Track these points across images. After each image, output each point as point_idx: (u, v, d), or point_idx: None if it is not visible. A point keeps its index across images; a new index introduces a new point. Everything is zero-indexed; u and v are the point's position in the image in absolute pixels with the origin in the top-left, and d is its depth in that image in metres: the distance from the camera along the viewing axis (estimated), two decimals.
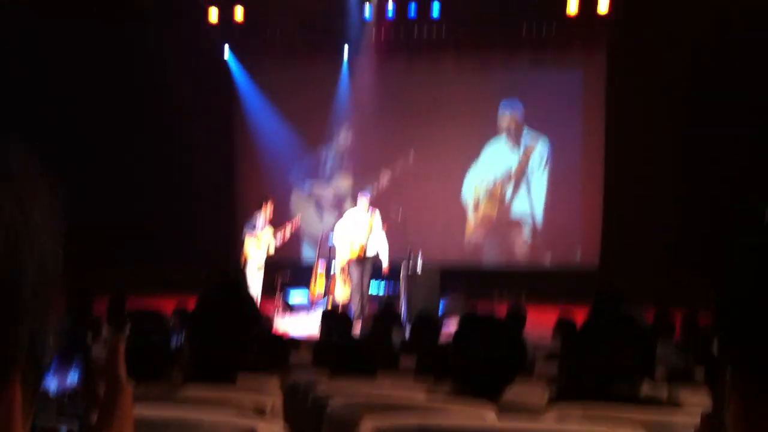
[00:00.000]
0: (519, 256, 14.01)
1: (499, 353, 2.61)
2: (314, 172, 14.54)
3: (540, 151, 13.91)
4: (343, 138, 14.47)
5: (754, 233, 0.77)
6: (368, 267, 10.66)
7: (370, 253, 10.63)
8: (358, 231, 10.60)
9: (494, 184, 13.99)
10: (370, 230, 10.58)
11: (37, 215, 0.66)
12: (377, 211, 10.78)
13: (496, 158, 14.05)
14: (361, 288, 10.63)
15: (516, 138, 13.99)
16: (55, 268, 0.69)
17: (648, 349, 2.63)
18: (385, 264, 10.65)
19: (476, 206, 14.03)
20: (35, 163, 0.70)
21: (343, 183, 14.46)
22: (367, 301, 10.63)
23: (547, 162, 13.87)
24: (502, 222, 14.04)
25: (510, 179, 13.99)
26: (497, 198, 14.02)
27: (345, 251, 10.68)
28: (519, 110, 13.96)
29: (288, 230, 11.03)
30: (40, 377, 0.77)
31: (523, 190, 13.97)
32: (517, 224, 14.00)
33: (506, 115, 13.98)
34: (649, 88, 12.40)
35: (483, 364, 2.60)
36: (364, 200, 10.77)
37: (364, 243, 10.57)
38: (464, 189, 14.10)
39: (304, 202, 14.26)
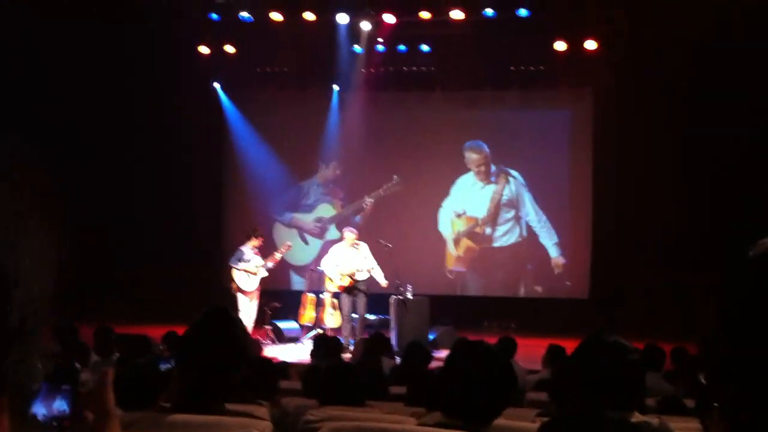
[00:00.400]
0: (508, 287, 13.98)
1: (489, 380, 2.59)
2: (296, 204, 14.56)
3: (516, 186, 13.99)
4: (328, 169, 14.52)
5: (738, 276, 0.77)
6: (359, 296, 10.63)
7: (360, 282, 10.61)
8: (346, 263, 10.60)
9: (477, 219, 14.03)
10: (358, 262, 10.59)
11: (27, 254, 0.68)
12: (364, 244, 10.77)
13: (475, 193, 14.13)
14: (351, 317, 10.63)
15: (487, 175, 14.05)
16: (43, 301, 0.71)
17: (638, 377, 2.62)
18: (383, 282, 10.60)
19: (456, 241, 14.06)
20: (25, 207, 0.72)
21: (325, 212, 14.48)
22: (359, 330, 10.59)
23: (527, 197, 13.94)
24: (486, 255, 14.05)
25: (493, 214, 14.02)
26: (479, 232, 14.05)
27: (334, 283, 10.68)
28: (486, 149, 14.09)
29: (279, 255, 10.95)
30: (27, 403, 0.77)
31: (509, 224, 14.01)
32: (503, 257, 14.00)
33: (476, 154, 14.08)
34: (636, 122, 12.50)
35: (473, 391, 2.59)
36: (350, 235, 10.78)
37: (352, 273, 10.56)
38: (440, 223, 14.14)
39: (286, 233, 14.24)
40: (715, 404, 0.78)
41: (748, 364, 0.73)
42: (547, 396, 4.75)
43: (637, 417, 2.51)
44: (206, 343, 2.65)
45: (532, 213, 13.89)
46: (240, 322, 2.83)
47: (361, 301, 10.65)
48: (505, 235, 14.00)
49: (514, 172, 13.97)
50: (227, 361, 2.66)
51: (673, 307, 11.72)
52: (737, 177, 11.50)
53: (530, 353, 8.38)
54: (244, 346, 2.77)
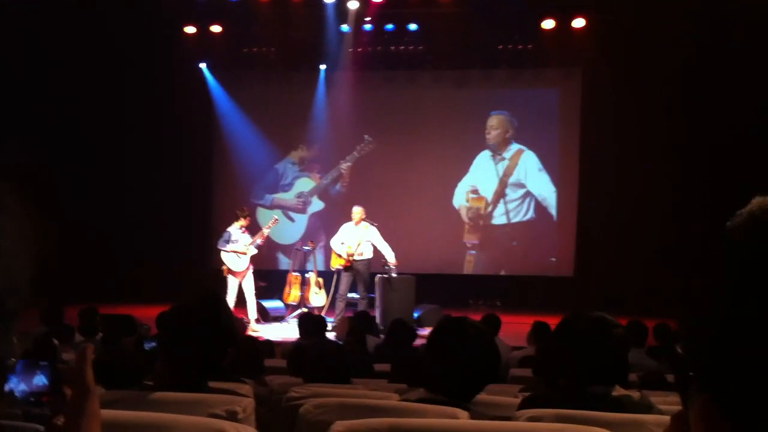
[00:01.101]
0: (494, 265, 14.04)
1: (471, 356, 2.61)
2: (274, 186, 14.54)
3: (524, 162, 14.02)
4: (304, 150, 14.49)
5: (716, 255, 0.78)
6: (358, 276, 10.60)
7: (359, 261, 10.58)
8: (350, 240, 10.59)
9: (477, 195, 14.05)
10: (362, 239, 10.55)
11: (6, 239, 0.70)
12: (372, 226, 10.72)
13: (480, 169, 14.14)
14: (344, 296, 10.60)
15: (501, 150, 14.06)
16: (22, 282, 0.73)
17: (622, 352, 2.63)
18: (392, 259, 10.58)
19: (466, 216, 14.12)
20: (6, 190, 0.74)
21: (304, 186, 14.47)
22: (344, 308, 10.59)
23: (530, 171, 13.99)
24: (483, 232, 14.09)
25: (494, 190, 14.06)
26: (480, 209, 14.08)
27: (339, 260, 10.66)
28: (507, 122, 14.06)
29: (267, 230, 10.82)
30: (3, 379, 0.78)
31: (501, 201, 14.05)
32: (495, 234, 14.05)
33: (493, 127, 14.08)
34: (624, 100, 12.52)
35: (454, 366, 2.61)
36: (356, 210, 10.74)
37: (352, 251, 10.53)
38: (455, 199, 14.14)
39: (269, 216, 14.22)
40: (691, 374, 0.79)
41: (725, 332, 0.74)
42: (531, 372, 4.79)
43: (618, 391, 2.53)
44: (193, 325, 2.66)
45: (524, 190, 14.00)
46: (223, 300, 2.83)
47: (360, 279, 10.63)
48: (512, 212, 14.07)
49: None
50: (213, 343, 2.67)
51: (657, 283, 11.80)
52: (728, 154, 11.53)
53: (516, 330, 8.45)
54: (232, 327, 2.78)
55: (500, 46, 13.68)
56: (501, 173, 14.05)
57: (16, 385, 1.14)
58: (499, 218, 14.07)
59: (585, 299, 11.97)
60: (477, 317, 6.55)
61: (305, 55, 13.98)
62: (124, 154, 13.57)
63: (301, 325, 6.85)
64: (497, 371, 2.90)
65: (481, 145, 14.08)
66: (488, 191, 14.08)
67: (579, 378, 2.57)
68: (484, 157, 14.08)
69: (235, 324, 2.81)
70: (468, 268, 14.05)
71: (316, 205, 14.29)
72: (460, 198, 14.13)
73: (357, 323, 7.00)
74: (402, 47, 14.03)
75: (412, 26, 13.53)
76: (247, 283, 10.57)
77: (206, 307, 2.71)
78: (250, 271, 10.62)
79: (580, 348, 2.59)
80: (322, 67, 14.13)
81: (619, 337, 2.62)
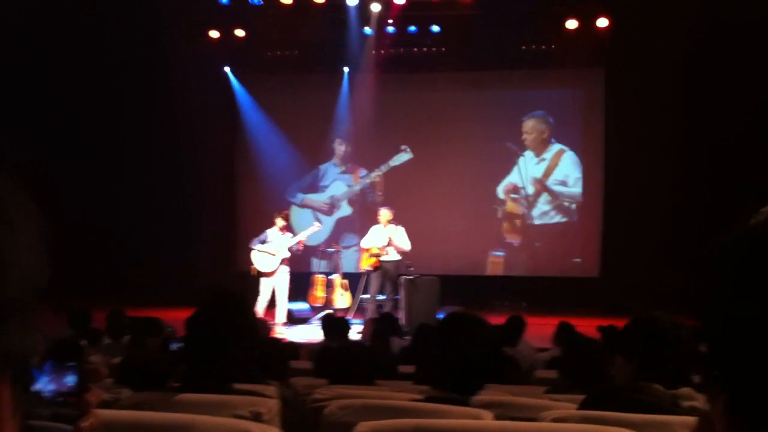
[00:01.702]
0: (519, 266, 13.99)
1: (471, 350, 2.61)
2: (313, 186, 14.60)
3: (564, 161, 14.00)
4: (340, 152, 14.53)
5: (733, 249, 0.78)
6: (388, 275, 10.61)
7: (387, 262, 10.58)
8: (378, 241, 10.61)
9: (514, 195, 14.04)
10: (388, 241, 10.56)
11: (22, 235, 0.72)
12: (400, 227, 10.72)
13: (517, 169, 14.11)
14: (373, 298, 10.60)
15: (541, 151, 14.04)
16: (40, 279, 0.74)
17: (689, 352, 2.62)
18: (406, 247, 10.59)
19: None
20: (21, 191, 0.76)
21: (338, 190, 14.52)
22: (375, 308, 10.58)
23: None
24: (523, 233, 14.08)
25: (531, 190, 14.03)
26: (515, 209, 14.07)
27: (367, 261, 10.68)
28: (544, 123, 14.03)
29: (304, 235, 10.81)
30: (27, 377, 0.79)
31: (540, 202, 14.03)
32: (531, 234, 14.04)
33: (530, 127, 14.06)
34: (647, 101, 12.41)
35: (454, 360, 2.62)
36: (384, 213, 10.76)
37: (379, 252, 10.54)
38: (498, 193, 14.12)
39: (298, 213, 14.28)
40: (715, 373, 0.79)
41: (748, 331, 0.73)
42: (557, 373, 4.77)
43: (688, 401, 2.51)
44: (212, 324, 2.67)
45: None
46: (246, 302, 2.83)
47: (387, 281, 10.63)
48: (551, 213, 14.07)
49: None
50: (234, 342, 2.68)
51: (685, 284, 11.65)
52: (751, 157, 11.39)
53: (542, 332, 8.40)
54: (253, 327, 2.79)
55: (523, 47, 13.65)
56: (541, 174, 14.00)
57: (45, 386, 1.15)
58: (539, 218, 14.03)
59: (610, 300, 11.88)
60: (501, 319, 6.54)
61: (328, 57, 14.01)
62: (147, 158, 13.67)
63: (324, 327, 6.87)
64: (500, 366, 2.90)
65: (503, 146, 14.04)
66: (528, 191, 14.02)
67: (644, 377, 2.57)
68: (525, 158, 14.03)
69: (257, 324, 2.82)
70: (493, 270, 14.00)
71: (345, 209, 14.31)
72: (501, 198, 14.11)
73: (381, 325, 6.99)
74: (425, 49, 14.03)
75: (435, 28, 13.52)
76: (281, 285, 10.58)
77: (225, 307, 2.71)
78: (285, 273, 10.61)
79: (649, 347, 2.59)
80: (346, 69, 14.17)
81: (686, 337, 2.61)
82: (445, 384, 2.64)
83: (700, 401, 2.48)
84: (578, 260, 13.74)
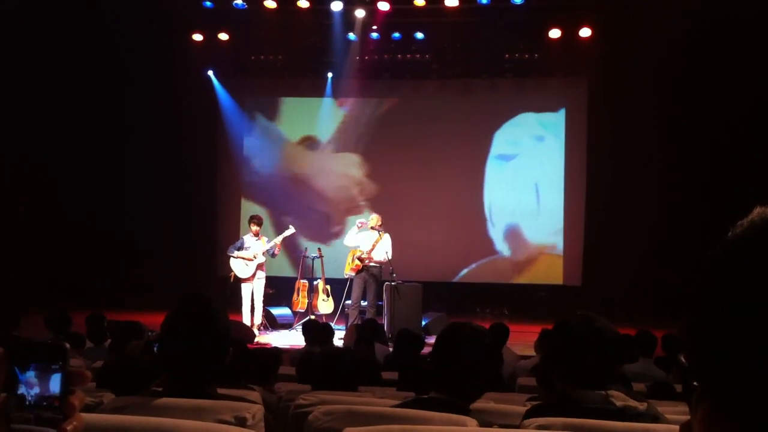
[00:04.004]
0: (502, 274, 14.02)
1: (473, 359, 2.64)
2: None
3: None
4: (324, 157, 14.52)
5: (717, 262, 0.78)
6: (369, 281, 10.59)
7: (372, 267, 10.57)
8: (365, 244, 10.61)
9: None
10: (374, 245, 10.55)
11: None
12: (386, 235, 10.70)
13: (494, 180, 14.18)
14: (358, 303, 10.58)
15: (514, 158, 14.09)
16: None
17: (612, 350, 2.62)
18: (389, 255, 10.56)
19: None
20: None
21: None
22: (357, 314, 10.56)
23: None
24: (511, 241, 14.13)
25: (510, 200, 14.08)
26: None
27: (349, 265, 10.67)
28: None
29: (280, 238, 10.78)
30: (13, 383, 0.78)
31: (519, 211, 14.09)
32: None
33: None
34: (631, 110, 12.50)
35: (455, 368, 2.64)
36: (374, 218, 10.75)
37: (364, 256, 10.52)
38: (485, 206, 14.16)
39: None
40: (695, 384, 0.79)
41: (726, 338, 0.74)
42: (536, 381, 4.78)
43: (622, 401, 2.51)
44: (184, 328, 2.63)
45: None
46: (218, 306, 2.78)
47: (371, 286, 10.63)
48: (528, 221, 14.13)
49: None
50: (207, 345, 2.64)
51: (666, 293, 11.74)
52: (733, 166, 11.49)
53: (524, 339, 8.43)
54: (226, 329, 2.74)
55: (506, 55, 13.72)
56: (516, 183, 14.04)
57: (29, 389, 1.14)
58: (524, 228, 14.08)
59: (592, 308, 11.91)
60: (484, 326, 6.55)
61: (312, 62, 14.03)
62: (128, 161, 13.63)
63: (305, 332, 6.85)
64: (498, 374, 2.92)
65: (487, 155, 14.08)
66: (506, 200, 14.08)
67: (571, 380, 2.57)
68: (496, 167, 14.08)
69: (230, 324, 2.77)
70: (473, 277, 14.01)
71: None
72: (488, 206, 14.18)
73: (365, 331, 6.98)
74: (408, 56, 14.07)
75: (419, 35, 13.56)
76: (257, 289, 10.59)
77: (195, 309, 2.68)
78: (261, 277, 10.62)
79: (568, 348, 2.60)
80: (329, 74, 14.20)
81: (608, 337, 2.61)
82: (448, 390, 2.66)
83: (632, 402, 2.49)
84: (561, 270, 13.81)
